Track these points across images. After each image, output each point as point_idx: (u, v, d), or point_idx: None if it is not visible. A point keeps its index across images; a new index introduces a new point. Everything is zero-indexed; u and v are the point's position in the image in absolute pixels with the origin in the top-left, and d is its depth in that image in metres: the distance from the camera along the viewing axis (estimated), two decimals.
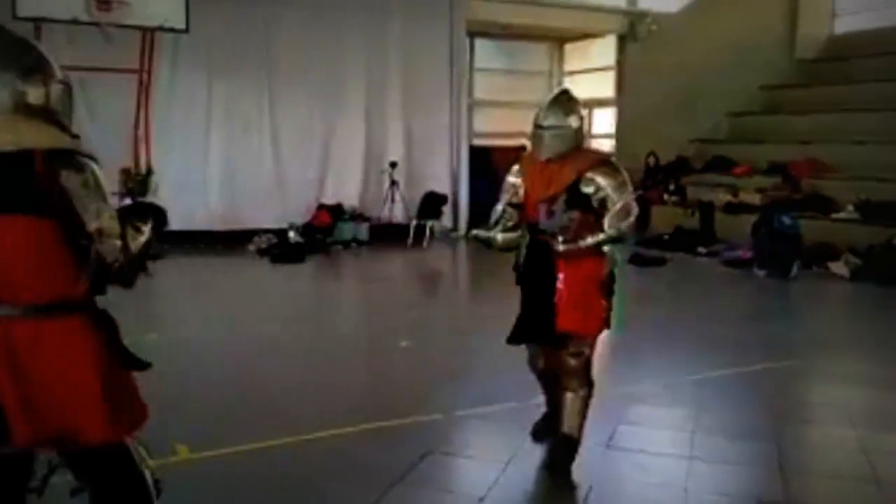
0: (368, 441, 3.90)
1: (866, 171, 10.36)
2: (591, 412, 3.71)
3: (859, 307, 8.22)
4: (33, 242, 2.07)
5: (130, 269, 2.23)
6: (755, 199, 10.88)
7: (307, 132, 10.99)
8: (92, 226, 2.08)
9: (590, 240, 3.48)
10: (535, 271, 3.63)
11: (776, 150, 12.08)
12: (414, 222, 11.38)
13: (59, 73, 2.23)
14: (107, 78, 9.31)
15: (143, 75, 9.44)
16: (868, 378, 5.26)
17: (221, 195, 10.48)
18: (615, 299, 3.63)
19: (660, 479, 3.60)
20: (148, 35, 9.19)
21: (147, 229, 2.24)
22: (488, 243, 3.76)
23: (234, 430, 3.95)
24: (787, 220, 9.20)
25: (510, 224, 3.70)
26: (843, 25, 14.45)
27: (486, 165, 13.16)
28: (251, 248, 9.99)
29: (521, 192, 3.67)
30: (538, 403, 4.15)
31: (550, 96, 3.63)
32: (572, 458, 3.64)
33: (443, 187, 11.90)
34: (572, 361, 3.60)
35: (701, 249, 10.66)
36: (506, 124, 14.27)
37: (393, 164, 11.39)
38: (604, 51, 14.11)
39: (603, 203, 3.47)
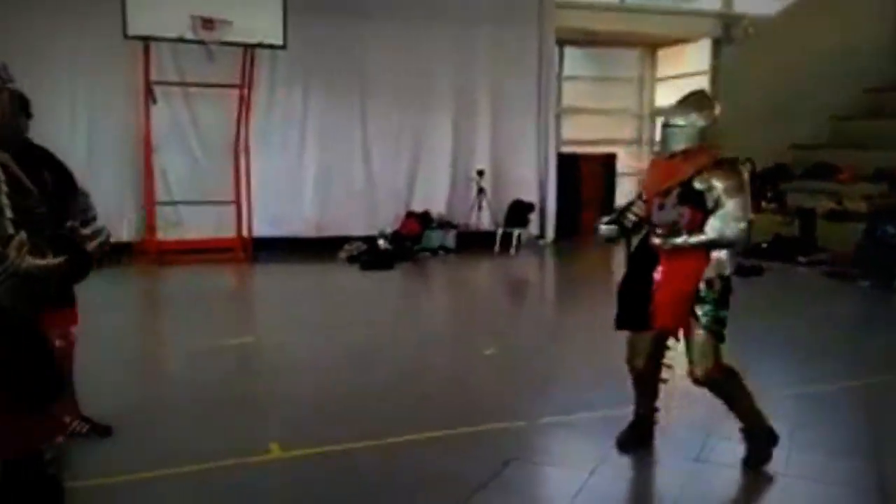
0: (452, 447, 3.95)
1: None
2: (680, 425, 3.66)
3: None
4: None
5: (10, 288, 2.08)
6: (861, 206, 10.34)
7: (397, 142, 11.20)
8: None
9: (686, 238, 3.48)
10: (641, 263, 3.72)
11: (881, 156, 11.44)
12: (501, 230, 11.41)
13: None
14: (210, 93, 9.82)
15: (243, 90, 9.87)
16: None
17: (315, 204, 10.82)
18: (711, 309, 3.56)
19: (750, 497, 3.50)
20: (248, 52, 9.60)
21: (44, 260, 2.12)
22: (596, 233, 3.89)
23: (324, 431, 4.08)
24: (891, 229, 8.73)
25: (635, 215, 3.75)
26: None
27: (575, 173, 13.08)
28: (342, 255, 10.26)
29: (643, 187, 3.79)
30: (625, 414, 4.11)
31: (683, 95, 3.66)
32: (762, 449, 3.67)
33: (530, 195, 11.88)
34: (699, 371, 3.59)
35: (801, 258, 10.22)
36: (595, 132, 14.14)
37: (480, 173, 11.46)
38: (697, 55, 13.76)
39: (718, 203, 3.45)
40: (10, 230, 2.06)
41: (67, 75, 9.27)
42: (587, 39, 13.31)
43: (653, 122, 14.94)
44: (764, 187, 12.38)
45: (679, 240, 3.50)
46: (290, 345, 6.00)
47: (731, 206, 3.42)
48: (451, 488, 3.46)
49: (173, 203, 9.95)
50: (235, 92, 9.84)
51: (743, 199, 3.46)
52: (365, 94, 10.95)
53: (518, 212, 11.62)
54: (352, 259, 10.13)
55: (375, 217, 10.94)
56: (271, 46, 9.44)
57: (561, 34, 12.22)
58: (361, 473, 3.65)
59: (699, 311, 3.54)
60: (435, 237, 11.07)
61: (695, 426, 4.23)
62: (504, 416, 4.33)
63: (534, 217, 11.91)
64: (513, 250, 11.21)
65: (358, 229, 10.70)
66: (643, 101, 14.80)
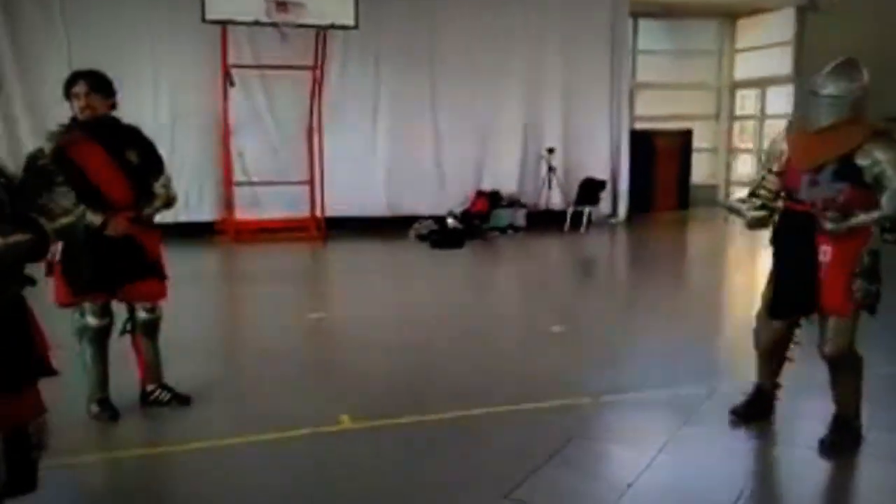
0: (517, 422, 3.98)
1: None
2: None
3: None
4: None
5: None
6: None
7: (467, 121, 11.23)
8: None
9: (863, 217, 3.31)
10: (791, 241, 3.58)
11: None
12: (571, 208, 11.31)
13: None
14: (284, 75, 10.04)
15: (316, 71, 10.06)
16: None
17: (386, 183, 10.97)
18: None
19: (826, 477, 3.41)
20: (321, 33, 9.77)
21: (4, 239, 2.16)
22: (740, 215, 3.77)
23: (392, 405, 4.18)
24: None
25: (770, 192, 3.64)
26: None
27: (649, 150, 12.82)
28: (412, 233, 10.39)
29: (784, 159, 3.59)
30: (694, 393, 4.06)
31: (833, 63, 3.47)
32: (849, 440, 3.60)
33: (602, 173, 11.72)
34: (830, 348, 3.50)
35: (888, 237, 9.76)
36: (671, 107, 13.79)
37: (550, 150, 11.37)
38: (780, 25, 13.21)
39: (877, 179, 3.28)
40: None
41: (150, 60, 9.64)
42: (663, 11, 12.95)
43: (732, 95, 14.45)
44: None
45: (856, 220, 3.32)
46: (360, 320, 6.13)
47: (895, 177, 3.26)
48: (514, 462, 3.49)
49: (250, 184, 10.26)
50: (309, 73, 10.04)
51: None
52: (435, 74, 10.99)
53: (589, 190, 11.49)
54: (421, 237, 10.24)
55: (445, 196, 11.01)
56: (343, 27, 9.58)
57: (635, 7, 11.94)
58: (427, 446, 3.72)
59: (853, 287, 3.42)
60: (504, 216, 11.07)
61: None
62: (569, 393, 4.33)
63: (605, 195, 11.75)
64: (583, 229, 11.10)
65: (428, 208, 10.81)
66: (722, 75, 14.33)
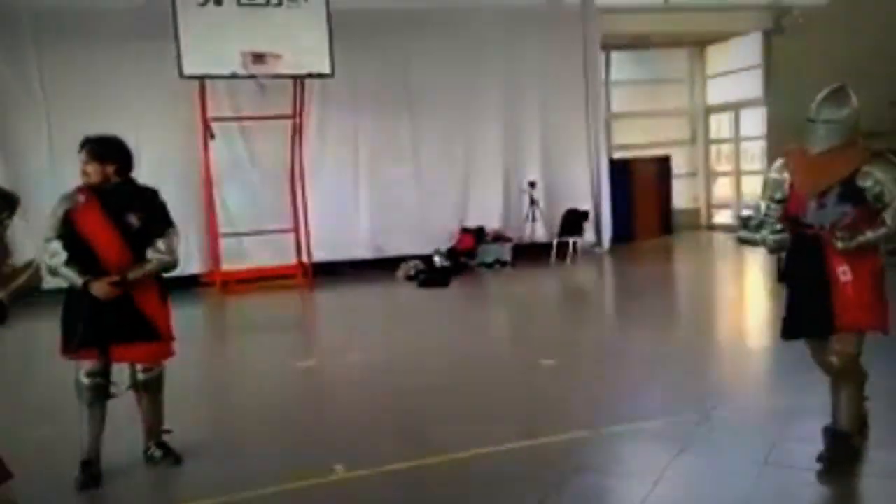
0: (515, 460, 3.95)
1: None
2: (746, 427, 3.58)
3: None
4: None
5: None
6: None
7: (448, 159, 11.32)
8: None
9: (870, 234, 3.45)
10: (803, 265, 3.66)
11: None
12: (556, 240, 11.38)
13: None
14: (264, 125, 10.12)
15: (295, 119, 10.14)
16: None
17: (371, 225, 11.01)
18: None
19: (824, 499, 3.40)
20: (298, 82, 9.88)
21: None
22: (757, 244, 3.86)
23: (387, 450, 4.14)
24: None
25: (776, 220, 3.73)
26: None
27: (629, 178, 12.96)
28: (399, 274, 10.39)
29: (786, 186, 3.71)
30: (689, 421, 4.06)
31: (826, 90, 3.62)
32: (846, 454, 3.61)
33: (584, 203, 11.82)
34: (836, 360, 3.57)
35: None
36: (648, 135, 13.99)
37: (532, 184, 11.48)
38: (748, 49, 13.50)
39: (878, 197, 3.44)
40: None
41: (129, 116, 9.62)
42: (633, 43, 13.21)
43: (706, 120, 14.69)
44: None
45: (864, 237, 3.44)
46: (351, 366, 6.10)
47: None
48: (513, 502, 3.47)
49: (235, 234, 10.26)
50: (288, 122, 10.12)
51: None
52: (414, 114, 11.12)
53: (572, 220, 11.58)
54: (409, 277, 10.25)
55: (430, 234, 11.04)
56: (320, 76, 9.68)
57: (606, 39, 12.17)
58: (426, 491, 3.69)
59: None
60: (490, 251, 11.11)
61: (761, 428, 4.14)
62: (566, 428, 4.31)
63: (589, 225, 11.84)
64: (569, 260, 11.15)
65: (414, 247, 10.83)
66: (695, 100, 14.58)
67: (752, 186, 13.91)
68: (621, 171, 12.64)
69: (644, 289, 9.62)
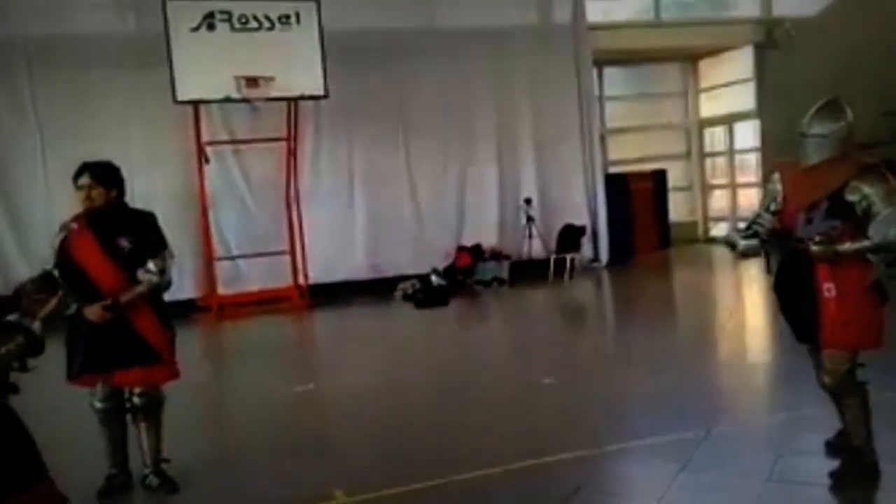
0: (517, 481, 3.90)
1: None
2: (749, 444, 3.54)
3: None
4: None
5: None
6: None
7: (443, 178, 11.33)
8: None
9: (848, 245, 3.40)
10: (791, 280, 3.63)
11: None
12: (553, 256, 11.36)
13: None
14: (259, 148, 10.13)
15: (290, 142, 10.15)
16: None
17: (367, 246, 10.98)
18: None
19: None
20: (292, 104, 9.89)
21: None
22: (732, 246, 3.84)
23: (387, 474, 4.09)
24: None
25: (765, 229, 3.71)
26: None
27: (625, 193, 12.97)
28: (397, 294, 10.35)
29: (780, 199, 3.69)
30: (691, 438, 4.01)
31: (818, 104, 3.60)
32: (862, 471, 3.55)
33: (580, 219, 11.81)
34: (828, 379, 3.54)
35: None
36: (642, 149, 14.02)
37: (528, 201, 11.48)
38: (741, 63, 13.58)
39: (867, 212, 3.39)
40: None
41: (123, 142, 9.65)
42: (626, 58, 13.28)
43: (701, 133, 14.74)
44: None
45: (844, 246, 3.40)
46: (350, 388, 6.05)
47: (887, 210, 3.35)
48: None
49: (231, 258, 10.23)
50: (283, 144, 10.13)
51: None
52: (408, 134, 11.14)
53: (569, 237, 11.56)
54: (406, 297, 10.20)
55: (427, 254, 11.01)
56: (313, 97, 9.70)
57: (599, 56, 12.22)
58: None
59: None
60: (488, 269, 11.08)
61: (763, 444, 4.10)
62: (567, 446, 4.26)
63: (586, 241, 11.82)
64: (567, 276, 11.13)
65: (411, 267, 10.80)
66: (689, 114, 14.63)
67: (748, 199, 13.95)
68: (617, 186, 12.65)
69: (643, 304, 9.58)
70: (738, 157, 14.18)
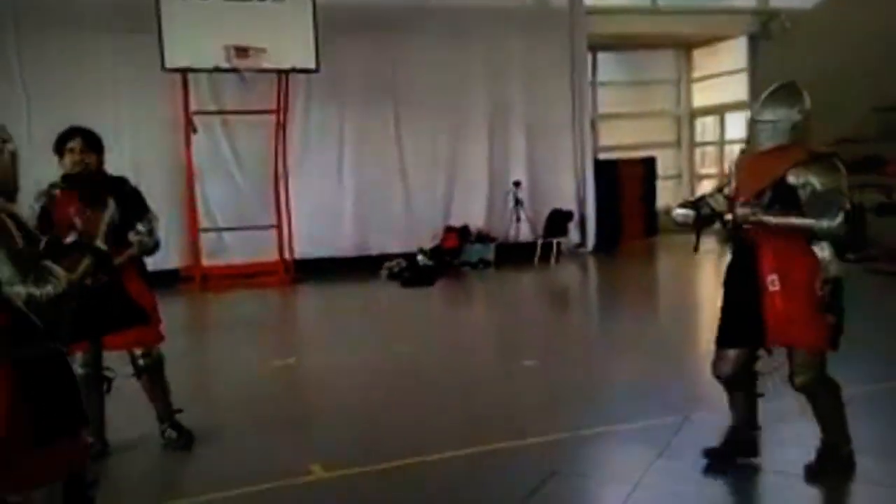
0: (494, 462, 3.91)
1: None
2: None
3: None
4: None
5: (49, 317, 2.24)
6: None
7: (433, 157, 11.27)
8: None
9: (773, 218, 3.26)
10: (738, 271, 3.51)
11: None
12: (540, 240, 11.36)
13: None
14: (247, 120, 10.02)
15: (279, 115, 10.05)
16: None
17: (354, 223, 10.93)
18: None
19: (801, 502, 3.38)
20: (282, 77, 9.79)
21: (61, 275, 2.22)
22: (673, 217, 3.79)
23: (365, 450, 4.09)
24: None
25: (709, 208, 3.62)
26: None
27: (614, 179, 12.96)
28: (382, 272, 10.33)
29: (734, 185, 3.58)
30: (669, 423, 4.03)
31: (770, 88, 3.47)
32: (837, 467, 3.51)
33: (568, 204, 11.81)
34: (799, 379, 3.42)
35: (849, 255, 9.92)
36: (633, 136, 14.02)
37: (517, 184, 11.46)
38: (734, 53, 13.58)
39: (809, 200, 3.26)
40: (30, 269, 2.19)
41: (110, 109, 9.54)
42: (620, 44, 13.22)
43: (692, 122, 14.75)
44: None
45: (769, 217, 3.27)
46: (332, 364, 6.04)
47: (830, 198, 3.21)
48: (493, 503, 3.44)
49: (217, 229, 10.16)
50: (272, 117, 10.03)
51: (842, 193, 3.25)
52: (399, 112, 11.06)
53: (557, 221, 11.56)
54: (392, 276, 10.19)
55: (415, 233, 10.99)
56: (304, 70, 9.59)
57: (593, 40, 12.17)
58: (404, 492, 3.65)
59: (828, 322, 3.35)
60: (474, 251, 11.08)
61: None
62: (546, 429, 4.28)
63: (573, 226, 11.83)
64: (553, 260, 11.14)
65: (398, 246, 10.77)
66: (681, 103, 14.62)
67: None
68: (606, 173, 12.64)
69: (627, 290, 9.62)
70: (728, 148, 14.20)
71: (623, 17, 12.40)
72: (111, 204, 2.55)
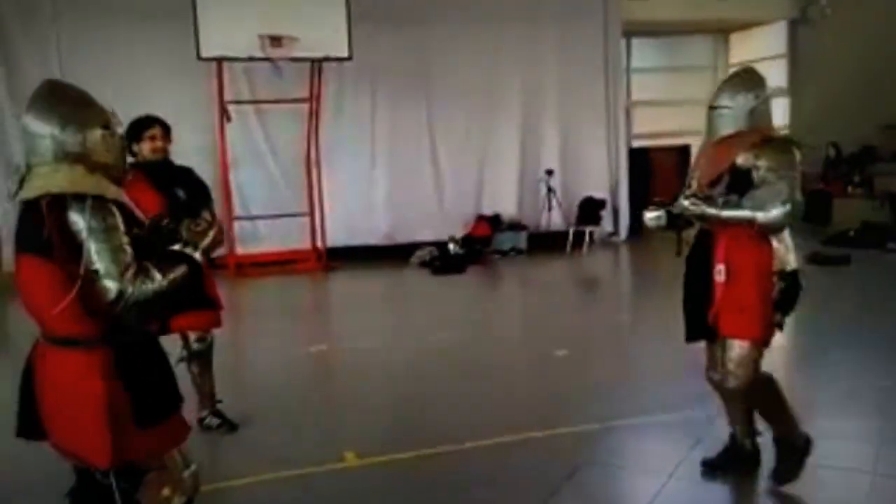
0: (524, 451, 3.91)
1: None
2: (760, 425, 3.50)
3: None
4: (44, 281, 2.21)
5: (136, 315, 2.22)
6: None
7: (465, 145, 11.25)
8: (89, 266, 2.14)
9: (715, 210, 3.13)
10: (696, 263, 3.41)
11: None
12: (572, 229, 11.28)
13: (101, 120, 2.36)
14: (281, 108, 10.08)
15: (312, 103, 10.10)
16: None
17: (386, 211, 10.97)
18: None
19: (838, 497, 3.33)
20: (315, 66, 9.82)
21: (157, 279, 2.21)
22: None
23: (398, 438, 4.12)
24: None
25: (680, 206, 3.39)
26: None
27: (647, 167, 12.82)
28: (414, 260, 10.36)
29: (696, 176, 3.47)
30: (703, 416, 3.99)
31: (729, 74, 3.40)
32: (795, 462, 3.38)
33: (601, 192, 11.71)
34: (729, 376, 3.27)
35: (892, 245, 9.73)
36: (668, 124, 13.79)
37: (549, 172, 11.38)
38: (773, 38, 13.30)
39: (763, 183, 3.11)
40: (130, 263, 2.19)
41: (146, 97, 9.56)
42: (655, 29, 13.03)
43: None
44: (850, 171, 11.85)
45: (711, 210, 3.16)
46: (363, 352, 6.07)
47: (777, 183, 3.06)
48: (524, 493, 3.44)
49: (250, 217, 10.26)
50: (305, 106, 10.07)
51: (790, 178, 3.08)
52: (431, 100, 11.04)
53: (589, 209, 11.48)
54: (424, 264, 10.21)
55: (446, 221, 10.99)
56: (337, 59, 9.61)
57: (628, 26, 12.01)
58: (435, 480, 3.65)
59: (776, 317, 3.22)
60: (506, 239, 11.04)
61: None
62: (577, 419, 4.27)
63: (606, 214, 11.73)
64: (585, 249, 11.06)
65: (429, 234, 10.79)
66: None
67: None
68: (640, 160, 12.51)
69: (660, 279, 9.50)
70: None
71: (658, 1, 12.20)
72: (218, 222, 2.54)
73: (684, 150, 13.49)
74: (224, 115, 9.66)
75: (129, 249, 2.19)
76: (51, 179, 2.21)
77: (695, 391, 4.65)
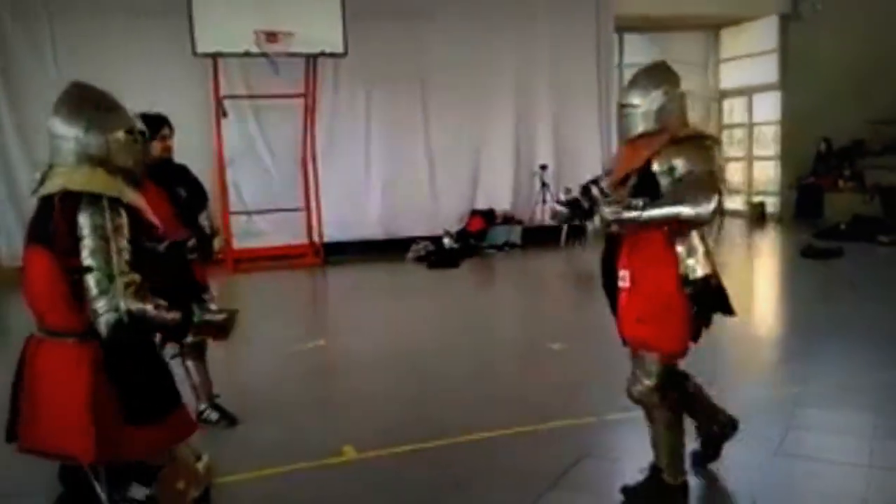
0: (521, 444, 3.97)
1: None
2: (757, 417, 3.54)
3: None
4: (46, 272, 2.28)
5: (111, 324, 2.21)
6: None
7: (459, 141, 11.28)
8: (83, 262, 2.20)
9: (640, 213, 2.94)
10: (605, 267, 3.36)
11: None
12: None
13: (125, 124, 2.41)
14: (277, 104, 10.09)
15: (307, 98, 10.11)
16: None
17: (381, 206, 11.01)
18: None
19: (834, 490, 3.38)
20: (311, 61, 9.83)
21: (146, 305, 2.23)
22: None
23: (395, 432, 4.16)
24: None
25: (599, 191, 3.32)
26: None
27: None
28: (409, 255, 10.40)
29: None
30: None
31: (637, 70, 3.20)
32: (715, 447, 3.44)
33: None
34: (637, 387, 3.19)
35: (882, 238, 9.83)
36: None
37: (543, 167, 11.43)
38: (764, 34, 13.36)
39: (674, 186, 2.97)
40: (125, 270, 2.22)
41: (141, 93, 9.51)
42: (647, 25, 13.07)
43: (720, 104, 14.57)
44: (841, 165, 11.95)
45: (631, 213, 2.97)
46: (360, 346, 6.12)
47: (695, 181, 2.93)
48: (521, 486, 3.48)
49: (247, 213, 10.27)
50: (301, 101, 10.08)
51: (709, 175, 2.97)
52: (426, 95, 11.07)
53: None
54: (419, 258, 10.26)
55: (441, 216, 11.04)
56: (332, 55, 9.63)
57: (620, 22, 12.05)
58: (433, 473, 3.70)
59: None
60: (500, 233, 11.10)
61: (773, 418, 4.13)
62: (574, 412, 4.33)
63: None
64: (579, 243, 11.12)
65: (424, 229, 10.83)
66: (709, 84, 14.44)
67: (765, 172, 13.83)
68: None
69: None
70: (756, 129, 14.04)
71: None
72: (235, 316, 2.56)
73: None
74: (220, 110, 9.66)
75: (127, 256, 2.22)
76: (70, 178, 2.28)
77: None
